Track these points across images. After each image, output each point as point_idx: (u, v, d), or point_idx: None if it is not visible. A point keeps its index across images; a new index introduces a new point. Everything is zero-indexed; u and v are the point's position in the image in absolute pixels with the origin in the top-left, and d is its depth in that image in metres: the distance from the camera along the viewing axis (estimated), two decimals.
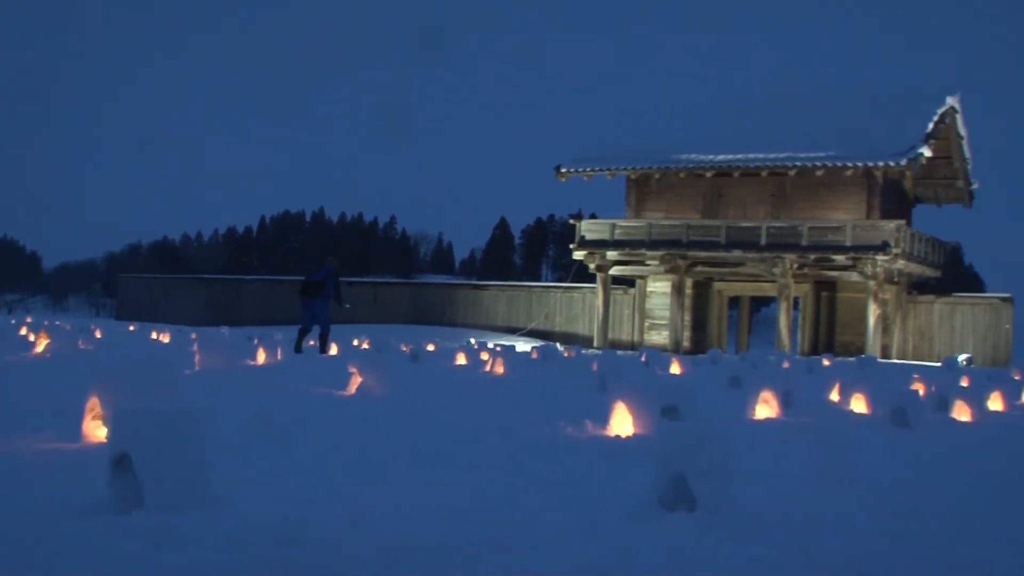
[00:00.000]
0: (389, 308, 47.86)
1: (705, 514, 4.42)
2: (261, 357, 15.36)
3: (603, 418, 7.80)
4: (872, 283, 34.73)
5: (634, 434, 7.44)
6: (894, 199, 38.64)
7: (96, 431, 5.91)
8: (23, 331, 23.87)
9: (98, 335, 25.04)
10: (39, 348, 15.96)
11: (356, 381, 10.12)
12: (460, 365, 18.25)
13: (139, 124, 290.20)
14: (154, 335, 27.71)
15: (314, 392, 9.93)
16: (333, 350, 20.48)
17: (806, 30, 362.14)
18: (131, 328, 34.42)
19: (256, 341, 18.58)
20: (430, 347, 26.65)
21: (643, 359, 21.19)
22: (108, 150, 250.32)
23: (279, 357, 16.01)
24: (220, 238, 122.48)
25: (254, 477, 5.03)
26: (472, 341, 33.91)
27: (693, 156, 37.74)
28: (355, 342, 25.96)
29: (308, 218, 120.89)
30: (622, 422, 7.61)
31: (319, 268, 20.25)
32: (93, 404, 5.97)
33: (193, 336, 23.37)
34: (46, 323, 29.01)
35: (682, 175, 38.41)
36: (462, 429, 7.53)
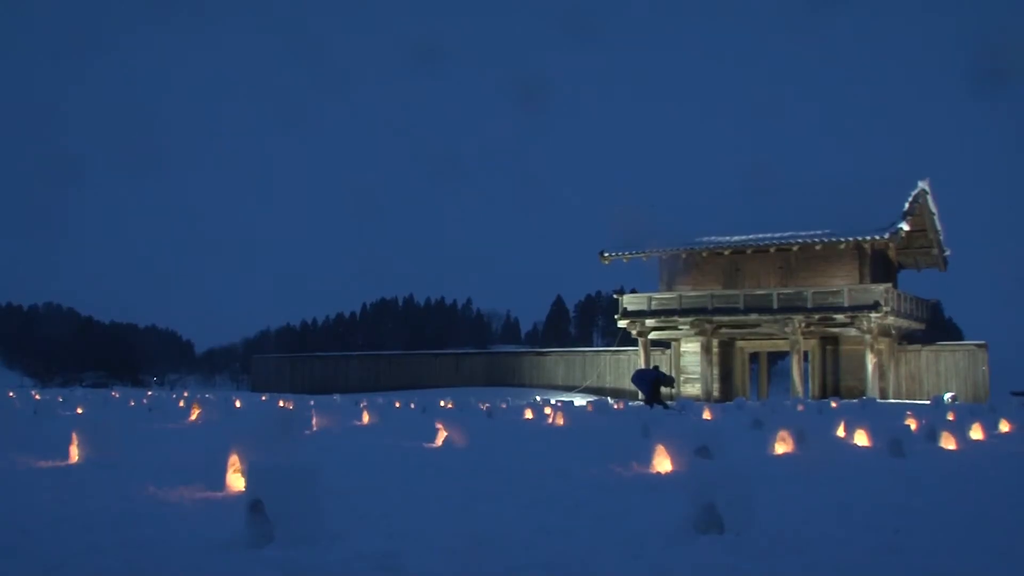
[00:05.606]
0: (468, 374, 47.85)
1: (731, 536, 4.33)
2: (366, 418, 15.40)
3: (646, 458, 7.69)
4: (868, 336, 34.06)
5: (672, 471, 7.32)
6: (881, 266, 37.97)
7: (236, 482, 5.97)
8: (180, 404, 24.28)
9: (238, 405, 25.35)
10: (193, 417, 16.23)
11: (442, 435, 10.12)
12: (528, 419, 18.11)
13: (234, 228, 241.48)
14: (281, 403, 27.92)
15: (407, 445, 9.93)
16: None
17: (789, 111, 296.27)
18: (263, 398, 34.77)
19: (363, 405, 18.66)
20: (503, 405, 26.50)
21: (679, 408, 20.84)
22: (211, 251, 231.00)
23: (379, 418, 16.05)
24: (330, 323, 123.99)
25: (359, 517, 5.04)
26: (537, 398, 33.68)
27: (713, 238, 37.79)
28: (441, 403, 25.95)
29: (401, 303, 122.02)
30: (662, 461, 7.50)
31: (649, 370, 28.01)
32: (234, 460, 6.05)
33: (311, 403, 23.54)
34: (198, 397, 29.48)
35: (704, 254, 38.27)
36: (527, 472, 7.47)
